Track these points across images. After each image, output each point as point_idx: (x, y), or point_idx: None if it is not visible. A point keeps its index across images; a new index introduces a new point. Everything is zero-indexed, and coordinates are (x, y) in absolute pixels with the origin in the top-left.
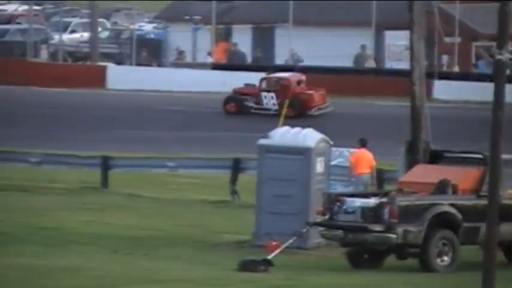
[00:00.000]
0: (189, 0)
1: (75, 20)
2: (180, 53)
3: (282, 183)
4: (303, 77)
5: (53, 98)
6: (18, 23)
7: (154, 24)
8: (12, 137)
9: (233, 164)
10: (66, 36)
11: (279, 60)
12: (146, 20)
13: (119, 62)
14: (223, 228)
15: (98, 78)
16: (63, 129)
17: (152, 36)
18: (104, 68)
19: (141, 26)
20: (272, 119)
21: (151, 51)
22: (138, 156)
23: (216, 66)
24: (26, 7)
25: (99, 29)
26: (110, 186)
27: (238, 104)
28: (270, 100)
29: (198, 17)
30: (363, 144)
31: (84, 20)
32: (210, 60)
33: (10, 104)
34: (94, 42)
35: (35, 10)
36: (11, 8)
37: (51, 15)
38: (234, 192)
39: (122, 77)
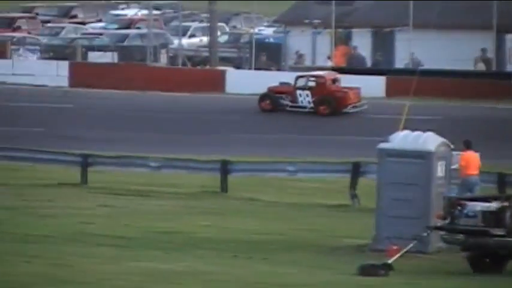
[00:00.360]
0: (309, 1)
1: (194, 25)
2: (300, 56)
3: (402, 187)
4: (338, 75)
5: (172, 103)
6: (138, 28)
7: (274, 28)
8: (132, 141)
9: (353, 168)
10: (185, 41)
11: (399, 64)
12: (265, 23)
13: (238, 66)
14: (342, 232)
15: (217, 82)
16: (182, 133)
17: (271, 40)
18: (223, 72)
19: (260, 30)
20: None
21: (270, 55)
22: (257, 160)
23: (335, 70)
24: (145, 12)
25: (218, 33)
26: (230, 190)
27: (273, 102)
28: (305, 98)
29: (318, 21)
30: (467, 145)
31: (203, 24)
32: (329, 63)
33: (130, 108)
34: (213, 46)
35: (155, 15)
36: (130, 12)
37: (171, 20)
38: (354, 196)
39: (240, 81)
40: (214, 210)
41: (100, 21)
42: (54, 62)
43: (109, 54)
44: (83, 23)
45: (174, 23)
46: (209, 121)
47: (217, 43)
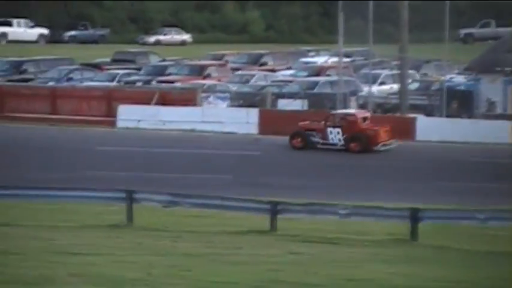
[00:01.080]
0: (500, 49)
1: (384, 72)
2: (491, 104)
3: None
4: (368, 114)
5: None
6: (327, 75)
7: (465, 76)
8: (319, 188)
9: None
10: (375, 88)
11: None
12: (456, 71)
13: (429, 114)
14: None
15: (407, 129)
16: (371, 180)
17: (463, 87)
18: (413, 120)
19: (451, 78)
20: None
21: (461, 103)
22: (447, 208)
23: None
24: (335, 59)
25: (409, 81)
26: (419, 238)
27: (304, 139)
28: (335, 135)
29: (509, 69)
30: None
31: (394, 72)
32: None
33: (318, 155)
34: (403, 93)
35: (345, 62)
36: (320, 60)
37: (361, 67)
38: None
39: (431, 129)
40: (402, 258)
41: (290, 68)
42: (243, 110)
43: (298, 101)
44: (273, 70)
45: (364, 70)
46: (399, 169)
47: (407, 90)
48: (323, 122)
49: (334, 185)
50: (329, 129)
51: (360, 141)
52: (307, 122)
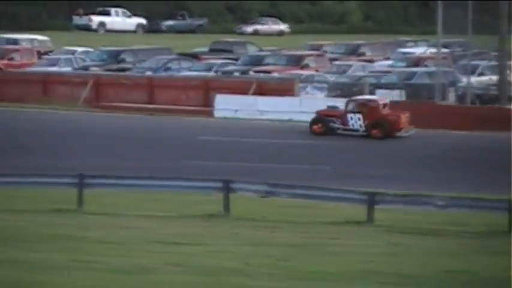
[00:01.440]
0: None
1: (483, 63)
2: None
3: None
4: (387, 100)
5: (460, 142)
6: (426, 66)
7: None
8: (412, 180)
9: None
10: (474, 79)
11: None
12: None
13: None
14: None
15: (505, 121)
16: (467, 172)
17: None
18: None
19: None
20: None
21: None
22: None
23: None
24: (434, 50)
25: (508, 72)
26: None
27: (324, 125)
28: (356, 121)
29: None
30: None
31: (493, 63)
32: None
33: (414, 147)
34: (502, 84)
35: (443, 53)
36: (419, 50)
37: (459, 58)
38: None
39: None
40: (501, 250)
41: (387, 59)
42: (341, 100)
43: (396, 92)
44: (371, 61)
45: (463, 61)
46: (496, 160)
47: (507, 82)
48: (343, 108)
49: (434, 176)
50: (349, 115)
51: (382, 127)
52: (325, 108)
